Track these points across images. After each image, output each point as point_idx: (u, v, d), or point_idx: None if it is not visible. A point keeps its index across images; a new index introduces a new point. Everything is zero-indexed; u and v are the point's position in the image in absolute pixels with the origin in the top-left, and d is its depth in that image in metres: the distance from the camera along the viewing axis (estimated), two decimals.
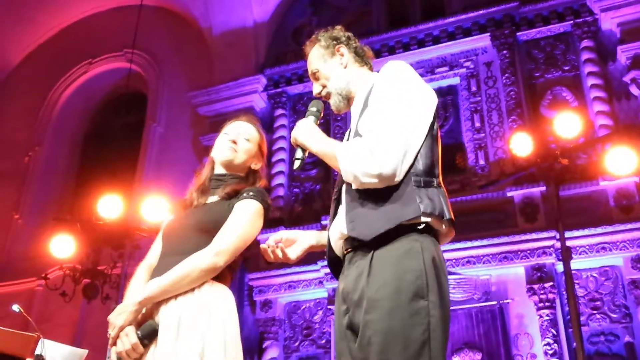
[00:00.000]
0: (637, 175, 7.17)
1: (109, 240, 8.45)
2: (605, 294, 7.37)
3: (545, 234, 7.57)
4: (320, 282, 8.46)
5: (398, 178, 2.15)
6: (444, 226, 2.24)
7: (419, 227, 2.16)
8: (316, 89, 2.63)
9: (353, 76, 2.59)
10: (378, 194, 2.18)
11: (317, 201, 9.29)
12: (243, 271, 8.80)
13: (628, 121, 8.06)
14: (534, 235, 7.61)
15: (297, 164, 2.45)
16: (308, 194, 9.47)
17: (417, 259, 2.12)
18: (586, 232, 7.43)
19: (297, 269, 8.52)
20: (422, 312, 2.06)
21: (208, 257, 2.50)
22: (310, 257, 8.56)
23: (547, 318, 7.28)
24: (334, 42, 2.69)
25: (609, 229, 7.40)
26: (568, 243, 6.08)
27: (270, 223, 8.82)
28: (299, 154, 2.44)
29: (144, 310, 2.46)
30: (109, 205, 8.18)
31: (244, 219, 2.62)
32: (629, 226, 7.35)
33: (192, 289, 2.48)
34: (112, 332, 2.42)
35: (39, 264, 9.57)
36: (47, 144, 12.18)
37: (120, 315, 2.43)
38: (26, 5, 12.24)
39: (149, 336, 2.40)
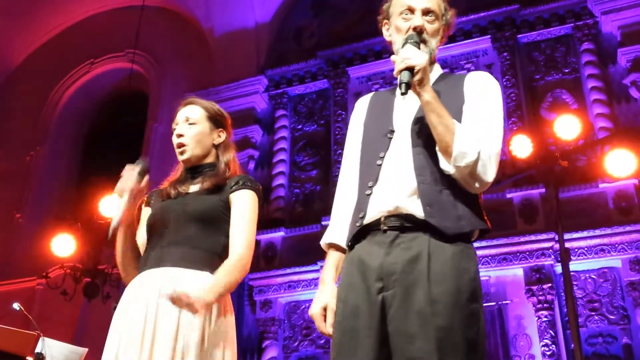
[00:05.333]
0: (637, 177, 7.18)
1: (110, 239, 8.47)
2: (603, 295, 7.38)
3: (544, 236, 7.59)
4: None
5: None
6: None
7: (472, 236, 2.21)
8: (419, 21, 2.35)
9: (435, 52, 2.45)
10: (460, 191, 2.18)
11: (318, 202, 9.30)
12: None
13: (628, 124, 8.07)
14: (532, 237, 7.63)
15: (403, 88, 2.12)
16: (308, 194, 9.48)
17: (472, 261, 2.14)
18: (585, 234, 7.44)
19: (297, 269, 8.56)
20: (475, 315, 2.07)
21: (236, 255, 2.54)
22: (310, 257, 8.60)
23: (545, 319, 7.30)
24: (449, 13, 2.48)
25: (608, 231, 7.41)
26: (567, 245, 6.08)
27: (271, 223, 8.94)
28: (405, 76, 2.12)
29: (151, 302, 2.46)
30: (110, 205, 8.21)
31: (248, 213, 2.66)
32: (628, 228, 7.35)
33: (190, 278, 2.48)
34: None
35: (40, 263, 9.59)
36: (49, 143, 12.21)
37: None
38: (28, 6, 12.26)
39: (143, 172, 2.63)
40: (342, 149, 10.07)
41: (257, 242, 2.57)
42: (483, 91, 2.31)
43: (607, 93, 8.34)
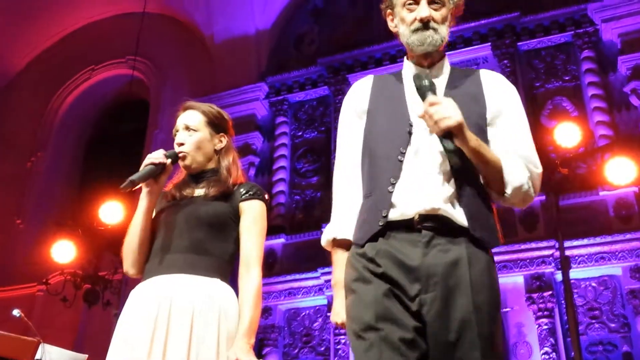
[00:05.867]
0: (637, 185, 7.16)
1: (110, 246, 8.47)
2: (603, 303, 7.37)
3: (544, 243, 7.58)
4: (320, 289, 8.47)
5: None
6: None
7: None
8: (426, 12, 2.22)
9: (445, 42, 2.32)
10: (489, 201, 2.19)
11: (318, 209, 9.30)
12: None
13: (628, 131, 8.07)
14: (533, 245, 7.62)
15: (451, 158, 2.05)
16: (309, 201, 9.48)
17: (496, 272, 2.15)
18: (585, 241, 7.44)
19: (297, 276, 8.55)
20: (500, 323, 2.09)
21: (254, 277, 2.54)
22: (310, 264, 8.59)
23: (545, 327, 7.29)
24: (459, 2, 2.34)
25: (608, 238, 7.41)
26: (567, 252, 6.10)
27: (272, 230, 8.90)
28: (449, 145, 2.01)
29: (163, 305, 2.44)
30: (110, 211, 8.22)
31: (258, 224, 2.66)
32: (628, 236, 7.36)
33: (202, 285, 2.47)
34: None
35: (40, 269, 9.59)
36: (50, 149, 12.22)
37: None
38: (29, 12, 12.29)
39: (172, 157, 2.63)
40: None
41: None
42: (511, 103, 2.29)
43: (607, 101, 8.35)
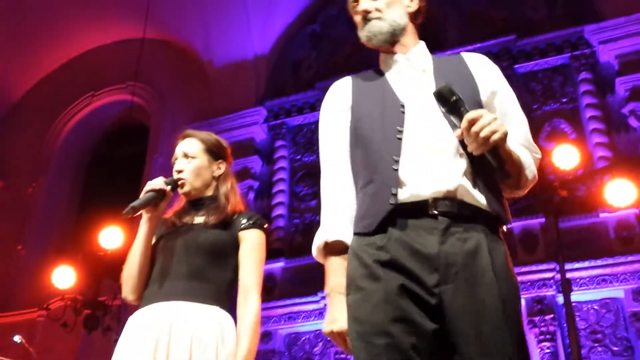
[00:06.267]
0: (637, 207, 7.16)
1: (110, 271, 8.45)
2: (606, 326, 7.31)
3: (545, 266, 7.53)
4: (321, 314, 8.43)
5: None
6: None
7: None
8: (366, 4, 2.20)
9: (411, 28, 2.27)
10: (497, 182, 2.03)
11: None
12: None
13: (627, 153, 8.07)
14: (533, 267, 7.57)
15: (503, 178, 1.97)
16: (308, 224, 9.46)
17: (511, 263, 1.97)
18: (586, 264, 7.39)
19: (297, 300, 8.51)
20: (520, 317, 1.92)
21: (252, 305, 2.54)
22: (310, 287, 8.55)
23: (548, 351, 7.23)
24: None
25: (610, 261, 7.35)
26: (568, 275, 6.07)
27: (271, 254, 8.83)
28: (495, 161, 1.90)
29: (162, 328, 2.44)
30: (110, 237, 8.22)
31: (257, 253, 2.67)
32: (630, 258, 7.30)
33: (201, 312, 2.48)
34: None
35: (41, 295, 9.58)
36: (50, 175, 12.23)
37: None
38: (30, 39, 12.36)
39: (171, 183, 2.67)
40: None
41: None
42: (502, 82, 2.22)
43: (605, 122, 8.35)
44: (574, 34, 8.90)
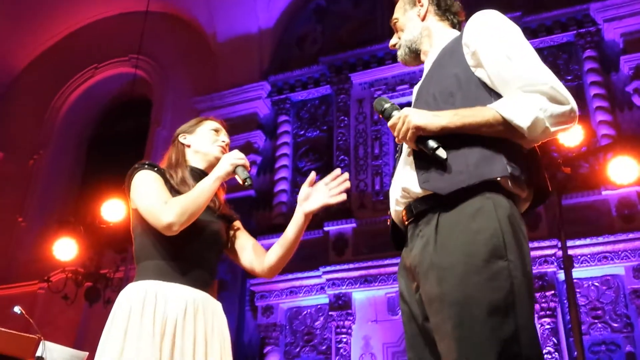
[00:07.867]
0: (639, 184, 7.17)
1: (112, 243, 8.49)
2: (606, 303, 7.35)
3: (547, 243, 7.56)
4: (322, 288, 8.47)
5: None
6: (524, 191, 2.02)
7: (496, 187, 1.93)
8: (393, 40, 2.46)
9: (428, 29, 2.36)
10: (460, 147, 1.95)
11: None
12: (245, 277, 8.81)
13: (630, 131, 8.06)
14: (535, 244, 7.57)
15: (442, 153, 1.95)
16: None
17: (490, 216, 1.87)
18: (588, 241, 7.41)
19: (298, 275, 8.54)
20: (502, 274, 1.80)
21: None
22: (312, 262, 8.54)
23: (548, 327, 7.27)
24: None
25: (611, 238, 7.38)
26: (570, 252, 6.08)
27: (274, 229, 8.91)
28: (433, 144, 1.96)
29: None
30: (112, 209, 8.22)
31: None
32: (631, 236, 7.32)
33: (217, 308, 2.56)
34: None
35: (42, 267, 9.60)
36: (52, 147, 12.23)
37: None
38: (32, 11, 12.31)
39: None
40: (345, 155, 9.95)
41: None
42: (483, 35, 2.10)
43: (609, 100, 8.33)
44: (579, 11, 8.84)
